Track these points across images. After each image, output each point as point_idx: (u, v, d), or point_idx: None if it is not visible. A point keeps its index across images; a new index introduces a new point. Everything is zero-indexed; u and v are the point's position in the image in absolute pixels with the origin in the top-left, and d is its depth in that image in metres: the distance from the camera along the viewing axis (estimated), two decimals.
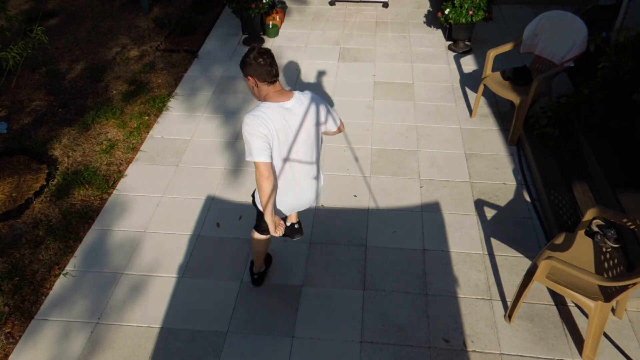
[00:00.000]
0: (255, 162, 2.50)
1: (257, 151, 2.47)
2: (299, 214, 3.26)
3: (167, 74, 5.60)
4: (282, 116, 2.49)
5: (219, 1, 7.13)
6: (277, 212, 2.81)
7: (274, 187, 2.59)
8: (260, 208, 2.77)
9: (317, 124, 2.65)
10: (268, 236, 3.05)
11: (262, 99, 2.55)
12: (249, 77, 2.51)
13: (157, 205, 3.95)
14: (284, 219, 3.09)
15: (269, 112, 2.48)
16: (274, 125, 2.47)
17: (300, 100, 2.56)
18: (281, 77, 5.51)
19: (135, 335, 3.06)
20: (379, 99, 5.12)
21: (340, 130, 2.84)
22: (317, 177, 2.84)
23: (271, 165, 2.54)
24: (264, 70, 2.46)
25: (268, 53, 2.48)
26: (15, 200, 3.94)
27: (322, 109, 2.66)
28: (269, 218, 2.67)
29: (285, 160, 2.61)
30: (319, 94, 5.19)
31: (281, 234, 2.76)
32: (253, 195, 2.93)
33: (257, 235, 3.07)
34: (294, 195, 2.79)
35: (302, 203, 2.87)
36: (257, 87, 2.52)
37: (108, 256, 3.56)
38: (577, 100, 4.15)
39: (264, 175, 2.50)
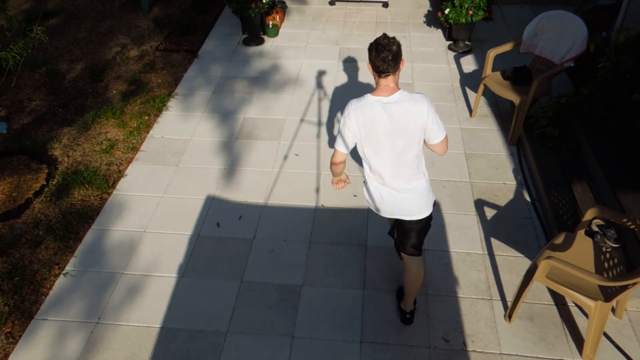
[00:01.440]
0: (334, 149, 2.66)
1: (339, 140, 2.61)
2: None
3: (167, 74, 5.60)
4: (376, 112, 2.48)
5: (219, 1, 7.13)
6: (377, 209, 2.76)
7: (340, 171, 2.79)
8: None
9: (412, 127, 2.49)
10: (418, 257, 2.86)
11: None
12: (368, 63, 2.52)
13: (157, 205, 3.95)
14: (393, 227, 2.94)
15: (366, 105, 2.49)
16: (364, 119, 2.49)
17: (401, 100, 2.48)
18: (281, 77, 5.51)
19: (135, 335, 3.06)
20: None
21: (441, 148, 2.59)
22: (408, 186, 2.62)
23: (345, 156, 2.67)
24: (372, 61, 2.46)
25: (380, 45, 2.41)
26: (15, 200, 3.94)
27: (421, 114, 2.48)
28: (334, 178, 2.86)
29: (373, 156, 2.59)
30: (319, 94, 5.19)
31: (338, 188, 2.88)
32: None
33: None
34: (381, 197, 2.69)
35: (392, 210, 2.70)
36: (372, 73, 2.53)
37: (108, 256, 3.56)
38: (577, 100, 4.15)
39: (332, 161, 2.71)
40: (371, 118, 2.49)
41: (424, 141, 2.58)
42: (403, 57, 2.51)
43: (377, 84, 2.52)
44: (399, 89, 2.52)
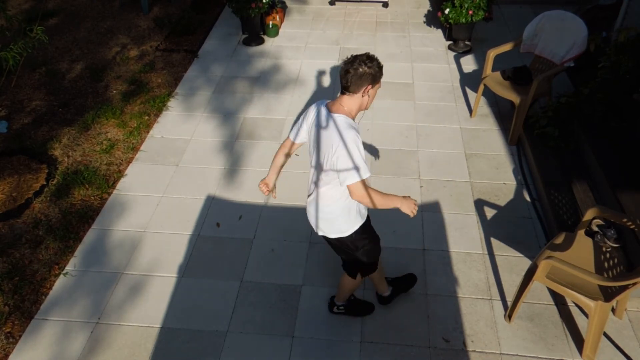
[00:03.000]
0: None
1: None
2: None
3: (167, 74, 5.60)
4: (317, 120, 2.48)
5: (219, 1, 7.13)
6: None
7: (278, 160, 2.72)
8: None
9: (329, 153, 2.42)
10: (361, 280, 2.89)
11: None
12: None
13: (157, 205, 3.95)
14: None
15: (318, 111, 2.45)
16: (309, 123, 2.53)
17: (334, 122, 2.38)
18: (281, 77, 5.51)
19: (135, 335, 3.06)
20: (378, 99, 5.12)
21: (352, 193, 2.44)
22: (316, 202, 2.62)
23: (290, 142, 2.66)
24: (340, 71, 2.34)
25: (349, 62, 2.30)
26: (15, 200, 3.94)
27: (331, 148, 2.41)
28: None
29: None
30: (319, 94, 5.20)
31: (261, 188, 2.75)
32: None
33: (358, 278, 2.86)
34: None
35: (308, 217, 2.76)
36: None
37: (108, 256, 3.56)
38: (577, 100, 4.15)
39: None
40: (312, 123, 2.47)
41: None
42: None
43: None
44: (347, 114, 2.35)
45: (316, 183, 2.53)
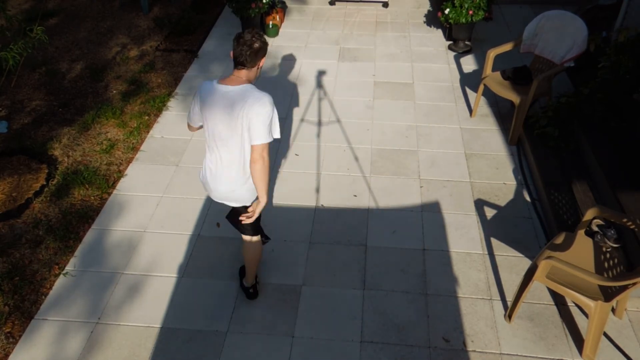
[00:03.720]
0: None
1: (189, 113, 2.73)
2: None
3: (167, 74, 5.60)
4: (215, 97, 2.64)
5: (219, 1, 7.13)
6: (206, 189, 2.90)
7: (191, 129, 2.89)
8: (261, 199, 2.75)
9: (238, 121, 2.66)
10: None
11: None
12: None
13: (157, 205, 3.95)
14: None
15: (211, 89, 2.64)
16: (205, 102, 2.65)
17: (242, 92, 2.66)
18: (281, 77, 5.51)
19: (135, 335, 3.06)
20: (378, 99, 5.12)
21: (254, 153, 2.62)
22: (227, 174, 2.79)
23: (191, 128, 2.84)
24: (234, 50, 2.59)
25: (242, 39, 2.55)
26: (15, 200, 3.94)
27: (253, 112, 2.63)
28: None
29: (207, 139, 2.74)
30: (319, 94, 5.20)
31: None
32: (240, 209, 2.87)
33: (258, 241, 3.03)
34: (208, 180, 2.85)
35: (215, 194, 2.89)
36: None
37: (108, 256, 3.56)
38: (577, 100, 4.15)
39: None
40: (209, 101, 2.60)
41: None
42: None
43: (231, 73, 2.65)
44: (248, 82, 2.62)
45: (227, 155, 2.69)
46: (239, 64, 2.56)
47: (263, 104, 2.54)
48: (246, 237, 3.00)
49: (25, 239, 3.69)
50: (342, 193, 4.03)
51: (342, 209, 3.89)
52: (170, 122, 4.86)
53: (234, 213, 2.94)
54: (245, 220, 2.80)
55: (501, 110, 4.92)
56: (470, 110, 4.92)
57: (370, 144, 4.54)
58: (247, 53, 2.50)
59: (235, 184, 2.73)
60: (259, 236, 3.03)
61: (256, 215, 2.78)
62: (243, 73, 2.59)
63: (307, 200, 3.97)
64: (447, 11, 5.62)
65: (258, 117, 2.52)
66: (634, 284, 2.59)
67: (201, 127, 2.77)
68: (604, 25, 5.04)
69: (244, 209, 2.86)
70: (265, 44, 2.57)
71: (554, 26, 4.47)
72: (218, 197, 2.85)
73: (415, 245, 3.59)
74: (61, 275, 3.42)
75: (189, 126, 2.84)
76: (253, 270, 3.15)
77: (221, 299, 3.26)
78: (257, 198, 2.78)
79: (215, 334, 3.06)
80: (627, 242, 3.17)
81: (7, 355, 2.97)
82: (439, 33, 6.32)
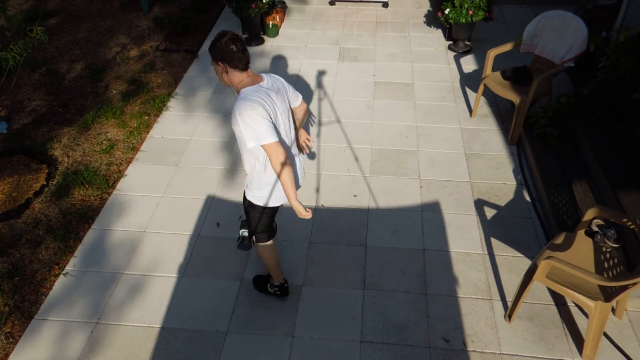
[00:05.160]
0: (267, 145, 2.42)
1: (266, 133, 2.40)
2: None
3: (167, 74, 5.60)
4: (267, 96, 2.48)
5: (219, 1, 7.13)
6: (277, 199, 2.72)
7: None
8: (259, 203, 2.73)
9: (287, 100, 2.70)
10: (271, 242, 2.98)
11: (237, 85, 2.52)
12: (219, 63, 2.47)
13: (157, 205, 3.95)
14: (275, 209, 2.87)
15: (256, 94, 2.45)
16: (267, 105, 2.46)
17: (269, 79, 2.60)
18: (281, 77, 5.50)
19: (135, 335, 3.06)
20: (378, 99, 5.12)
21: (303, 104, 2.82)
22: (298, 155, 2.85)
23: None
24: (236, 57, 2.43)
25: (240, 40, 2.46)
26: (15, 200, 3.94)
27: (287, 86, 2.73)
28: (296, 203, 2.57)
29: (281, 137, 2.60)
30: (319, 94, 5.20)
31: (309, 216, 2.63)
32: (245, 197, 2.79)
33: (262, 244, 2.97)
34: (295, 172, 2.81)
35: (300, 179, 2.87)
36: (227, 73, 2.49)
37: (108, 256, 3.56)
38: (577, 100, 4.15)
39: (281, 155, 2.44)
40: (269, 103, 2.49)
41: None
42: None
43: (238, 80, 2.51)
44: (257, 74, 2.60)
45: (295, 135, 2.77)
46: (247, 63, 2.52)
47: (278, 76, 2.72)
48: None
49: (25, 239, 3.69)
50: (342, 193, 4.03)
51: (342, 209, 3.89)
52: (170, 122, 4.86)
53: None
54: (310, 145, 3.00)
55: (501, 110, 4.92)
56: (470, 110, 4.92)
57: (370, 144, 4.54)
58: (247, 52, 2.51)
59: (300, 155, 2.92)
60: (266, 240, 2.95)
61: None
62: (250, 70, 2.58)
63: (307, 200, 3.97)
64: (447, 11, 5.62)
65: (289, 85, 2.73)
66: (634, 284, 2.59)
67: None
68: (604, 25, 5.04)
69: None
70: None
71: (554, 26, 4.47)
72: (301, 179, 2.90)
73: (415, 245, 3.59)
74: (61, 275, 3.42)
75: (282, 148, 2.47)
76: (273, 271, 3.13)
77: (221, 299, 3.26)
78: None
79: (215, 334, 3.06)
80: (627, 242, 3.17)
81: (7, 355, 2.97)
82: (439, 33, 6.32)
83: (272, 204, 2.75)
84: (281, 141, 2.52)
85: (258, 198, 2.73)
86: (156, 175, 4.24)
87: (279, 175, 2.50)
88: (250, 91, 2.46)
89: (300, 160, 2.84)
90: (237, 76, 2.50)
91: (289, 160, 2.51)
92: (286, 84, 2.71)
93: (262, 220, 2.84)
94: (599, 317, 2.73)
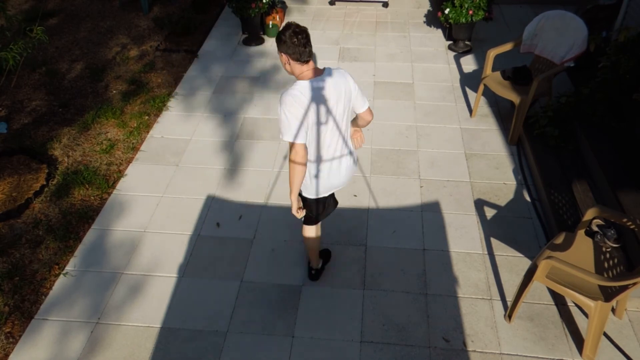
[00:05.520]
0: (288, 143, 2.58)
1: (294, 133, 2.54)
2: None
3: (167, 74, 5.60)
4: (316, 94, 2.56)
5: (219, 1, 7.13)
6: (316, 192, 2.86)
7: (305, 169, 2.67)
8: (304, 194, 2.88)
9: (349, 100, 2.68)
10: (314, 226, 3.10)
11: (298, 77, 2.60)
12: (282, 54, 2.55)
13: (157, 205, 3.95)
14: (323, 201, 3.01)
15: (304, 91, 2.54)
16: (308, 104, 2.54)
17: (331, 77, 2.60)
18: (281, 77, 5.51)
19: (135, 335, 3.06)
20: (378, 99, 5.12)
21: (368, 115, 2.80)
22: (349, 154, 2.83)
23: (305, 146, 2.61)
24: (297, 50, 2.50)
25: (303, 33, 2.51)
26: (15, 200, 3.94)
27: (353, 87, 2.68)
28: (294, 197, 2.74)
29: (319, 137, 2.67)
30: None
31: (301, 217, 2.89)
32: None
33: (307, 228, 3.12)
34: (335, 173, 2.83)
35: (341, 181, 2.90)
36: (290, 64, 2.57)
37: (108, 256, 3.56)
38: (577, 100, 4.15)
39: (300, 156, 2.58)
40: (313, 100, 2.56)
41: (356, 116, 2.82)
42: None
43: (298, 71, 2.58)
44: (320, 68, 2.64)
45: (346, 136, 2.76)
46: (309, 56, 2.56)
47: (348, 74, 2.68)
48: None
49: (25, 239, 3.69)
50: (342, 193, 4.03)
51: (342, 209, 3.89)
52: (170, 122, 4.86)
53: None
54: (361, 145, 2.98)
55: (501, 110, 4.92)
56: (470, 110, 4.92)
57: (370, 143, 4.54)
58: (310, 44, 2.54)
59: (354, 156, 2.90)
60: (309, 225, 3.12)
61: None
62: (312, 63, 2.60)
63: None
64: (447, 11, 5.62)
65: (355, 86, 2.67)
66: (634, 284, 2.59)
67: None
68: (604, 25, 5.04)
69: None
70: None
71: (554, 26, 4.47)
72: (344, 182, 2.93)
73: (415, 245, 3.59)
74: (61, 275, 3.42)
75: (303, 150, 2.59)
76: (312, 255, 3.28)
77: (221, 299, 3.26)
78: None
79: (215, 334, 3.06)
80: (627, 242, 3.17)
81: (7, 355, 2.97)
82: (439, 33, 6.32)
83: (305, 194, 2.91)
84: (320, 138, 2.65)
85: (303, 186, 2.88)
86: (156, 175, 4.24)
87: (289, 170, 2.65)
88: (300, 86, 2.55)
89: (348, 160, 2.84)
90: (297, 68, 2.57)
91: (306, 167, 2.67)
92: (352, 85, 2.67)
93: (306, 205, 2.96)
94: (599, 317, 2.73)
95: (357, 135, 2.99)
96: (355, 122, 2.92)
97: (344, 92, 2.63)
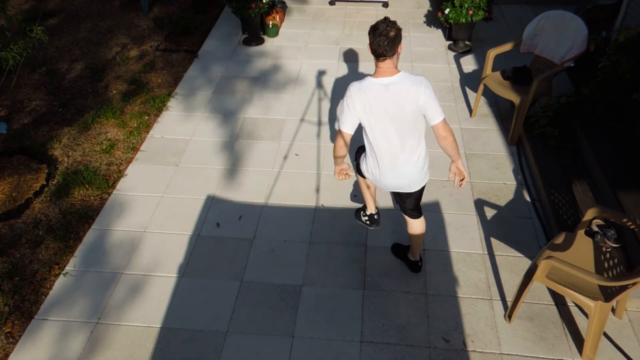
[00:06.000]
0: (337, 129, 2.77)
1: (343, 121, 2.72)
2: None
3: (167, 74, 5.60)
4: (378, 93, 2.61)
5: (219, 1, 7.13)
6: (377, 181, 2.97)
7: (344, 154, 2.90)
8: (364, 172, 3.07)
9: (409, 107, 2.64)
10: (366, 179, 3.17)
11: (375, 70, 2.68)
12: (368, 45, 2.64)
13: (157, 205, 3.95)
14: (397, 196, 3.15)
15: (370, 86, 2.63)
16: (368, 101, 2.62)
17: (395, 81, 2.62)
18: (281, 77, 5.51)
19: (135, 335, 3.06)
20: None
21: (441, 130, 2.69)
22: (410, 162, 2.82)
23: (349, 136, 2.77)
24: (371, 46, 2.58)
25: (376, 31, 2.54)
26: (15, 200, 3.94)
27: (424, 94, 2.62)
28: (336, 167, 3.02)
29: (376, 136, 2.75)
30: (319, 94, 5.20)
31: (340, 179, 3.05)
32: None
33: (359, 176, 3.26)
34: (384, 173, 2.87)
35: (393, 183, 2.92)
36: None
37: (108, 256, 3.56)
38: (577, 100, 4.15)
39: (339, 141, 2.80)
40: (372, 99, 2.63)
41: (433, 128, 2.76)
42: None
43: (376, 66, 2.67)
44: (399, 71, 2.64)
45: (407, 143, 2.76)
46: (380, 55, 2.59)
47: (425, 84, 2.63)
48: (416, 218, 3.19)
49: (25, 239, 3.69)
50: (342, 193, 4.03)
51: (342, 209, 3.89)
52: (170, 122, 4.86)
53: (411, 197, 3.06)
54: (463, 184, 2.93)
55: (501, 110, 4.92)
56: (470, 110, 4.92)
57: None
58: (385, 43, 2.54)
59: (418, 166, 2.86)
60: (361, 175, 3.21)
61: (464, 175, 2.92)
62: (388, 62, 2.62)
63: (307, 200, 3.97)
64: (447, 11, 5.62)
65: (428, 97, 2.62)
66: (634, 284, 2.59)
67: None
68: (604, 25, 5.03)
69: (422, 190, 3.03)
70: (399, 30, 2.59)
71: (554, 26, 4.47)
72: (398, 186, 2.95)
73: None
74: (61, 275, 3.42)
75: (343, 139, 2.80)
76: (420, 245, 3.35)
77: (221, 299, 3.26)
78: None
79: (215, 334, 3.06)
80: (627, 242, 3.17)
81: (7, 355, 2.97)
82: (439, 33, 6.32)
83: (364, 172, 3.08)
84: (374, 135, 2.73)
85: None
86: (156, 175, 4.24)
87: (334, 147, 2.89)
88: (367, 81, 2.65)
89: (409, 167, 2.84)
90: (375, 63, 2.65)
91: (344, 152, 2.87)
92: (422, 94, 2.60)
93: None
94: (599, 317, 2.73)
95: (453, 167, 2.91)
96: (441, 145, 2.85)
97: (409, 97, 2.61)
